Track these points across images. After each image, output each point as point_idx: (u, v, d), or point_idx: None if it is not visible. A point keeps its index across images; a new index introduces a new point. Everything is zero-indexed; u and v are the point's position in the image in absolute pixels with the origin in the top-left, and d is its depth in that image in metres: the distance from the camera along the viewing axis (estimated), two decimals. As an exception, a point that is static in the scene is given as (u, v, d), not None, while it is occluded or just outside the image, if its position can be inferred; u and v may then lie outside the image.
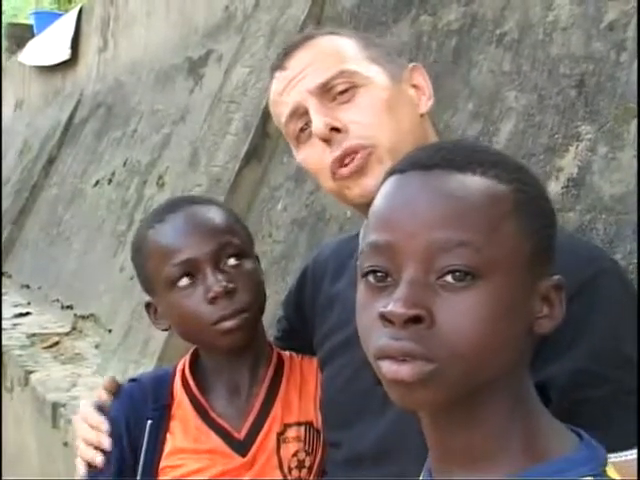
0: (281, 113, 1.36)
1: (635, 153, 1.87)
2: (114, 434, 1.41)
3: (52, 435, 3.57)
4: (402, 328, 0.80)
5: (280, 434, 1.42)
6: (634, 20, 2.04)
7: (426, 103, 1.36)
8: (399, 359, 0.80)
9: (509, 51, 2.42)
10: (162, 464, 1.40)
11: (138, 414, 1.41)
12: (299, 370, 1.49)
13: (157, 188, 5.00)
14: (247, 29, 4.21)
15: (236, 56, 4.17)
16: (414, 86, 1.36)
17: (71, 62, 7.78)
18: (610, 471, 0.85)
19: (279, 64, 1.36)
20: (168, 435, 1.41)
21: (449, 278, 0.80)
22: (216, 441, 1.40)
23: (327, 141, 1.28)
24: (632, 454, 1.04)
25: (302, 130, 1.33)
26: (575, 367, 1.05)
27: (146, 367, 3.52)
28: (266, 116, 3.61)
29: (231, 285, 1.37)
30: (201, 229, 1.40)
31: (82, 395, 3.60)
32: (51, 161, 7.71)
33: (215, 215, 1.44)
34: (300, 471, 1.41)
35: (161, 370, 1.57)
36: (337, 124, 1.28)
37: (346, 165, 1.28)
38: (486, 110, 2.39)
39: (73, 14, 7.83)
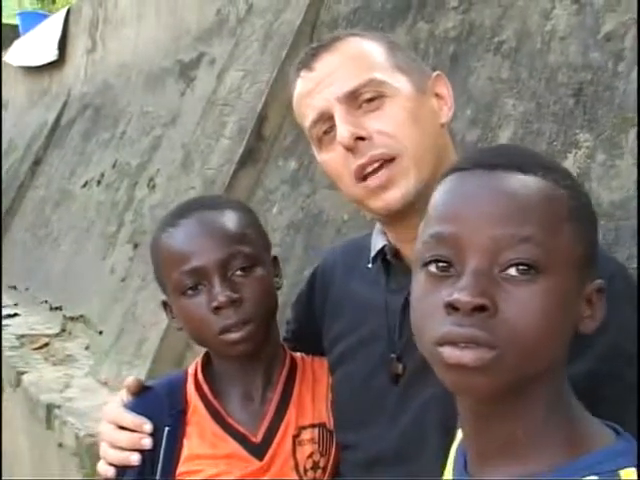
0: (306, 115, 1.37)
1: (634, 161, 1.91)
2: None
3: (46, 437, 3.57)
4: (467, 316, 0.85)
5: (295, 436, 1.44)
6: (632, 31, 2.09)
7: (447, 113, 1.38)
8: (461, 345, 0.85)
9: (507, 59, 2.46)
10: (179, 470, 1.41)
11: (154, 422, 1.42)
12: (311, 371, 1.52)
13: (148, 190, 5.01)
14: (241, 33, 4.23)
15: (230, 60, 4.19)
16: (437, 95, 1.38)
17: (58, 63, 7.76)
18: None
19: (306, 64, 1.36)
20: (185, 441, 1.42)
21: (512, 271, 0.86)
22: (234, 446, 1.42)
23: (351, 150, 1.30)
24: None
25: (326, 133, 1.35)
26: (591, 367, 1.09)
27: (140, 369, 3.54)
28: (261, 119, 3.64)
29: (236, 295, 1.38)
30: (211, 237, 1.41)
31: (77, 396, 3.61)
32: (37, 162, 7.69)
33: (228, 222, 1.44)
34: (315, 472, 1.43)
35: (173, 375, 1.57)
36: (362, 133, 1.29)
37: (370, 176, 1.30)
38: (484, 117, 2.43)
39: (60, 15, 7.81)
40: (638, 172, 1.82)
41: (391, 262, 1.38)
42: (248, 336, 1.39)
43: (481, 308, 0.84)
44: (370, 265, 1.42)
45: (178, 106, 5.12)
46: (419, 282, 0.91)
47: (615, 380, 1.12)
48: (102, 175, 5.91)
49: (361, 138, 1.30)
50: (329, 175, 1.40)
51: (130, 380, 1.49)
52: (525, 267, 0.85)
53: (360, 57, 1.35)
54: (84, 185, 6.18)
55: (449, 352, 0.86)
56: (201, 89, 4.77)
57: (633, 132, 1.96)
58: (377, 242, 1.41)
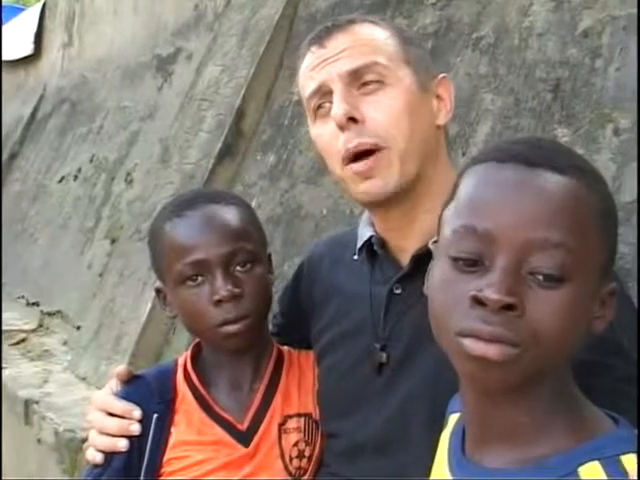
0: (307, 86, 1.39)
1: (611, 156, 1.94)
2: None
3: (24, 432, 3.56)
4: (495, 313, 0.86)
5: (281, 425, 1.46)
6: (608, 28, 2.12)
7: (445, 115, 1.40)
8: (486, 339, 0.86)
9: (485, 55, 2.48)
10: (167, 456, 1.44)
11: (144, 410, 1.44)
12: (297, 364, 1.54)
13: (125, 185, 5.00)
14: (219, 28, 4.23)
15: (208, 55, 4.19)
16: (438, 97, 1.39)
17: (34, 57, 7.72)
18: None
19: (318, 40, 1.38)
20: (172, 428, 1.45)
21: (540, 277, 0.87)
22: (220, 433, 1.44)
23: (342, 128, 1.32)
24: None
25: (321, 107, 1.37)
26: (580, 357, 1.11)
27: (119, 364, 3.52)
28: (240, 114, 3.65)
29: (237, 290, 1.41)
30: (216, 231, 1.43)
31: (55, 392, 3.60)
32: (13, 156, 7.65)
33: (232, 217, 1.46)
34: (300, 461, 1.46)
35: (163, 365, 1.60)
36: (356, 115, 1.31)
37: (357, 161, 1.32)
38: (463, 112, 2.45)
39: (37, 9, 7.77)
40: (638, 172, 1.83)
41: (377, 253, 1.40)
42: (245, 330, 1.42)
43: (509, 307, 0.85)
44: (356, 257, 1.43)
45: (155, 101, 5.11)
46: (443, 270, 0.92)
47: (604, 370, 1.14)
48: (79, 170, 5.89)
49: (354, 120, 1.31)
50: (319, 150, 1.42)
51: (120, 368, 1.51)
52: (553, 273, 0.86)
53: (370, 41, 1.36)
54: (61, 180, 6.16)
55: (474, 344, 0.87)
56: (179, 84, 4.76)
57: (610, 128, 1.99)
58: (364, 233, 1.43)
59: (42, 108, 7.45)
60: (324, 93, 1.36)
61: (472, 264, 0.89)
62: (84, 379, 3.79)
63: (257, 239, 1.49)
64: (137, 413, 1.43)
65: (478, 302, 0.86)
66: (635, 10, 2.09)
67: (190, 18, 4.87)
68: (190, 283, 1.42)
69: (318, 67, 1.37)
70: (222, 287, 1.40)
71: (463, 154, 2.39)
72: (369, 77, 1.33)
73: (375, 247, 1.41)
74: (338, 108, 1.31)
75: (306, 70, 1.40)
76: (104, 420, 1.45)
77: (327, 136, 1.36)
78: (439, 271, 0.93)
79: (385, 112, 1.32)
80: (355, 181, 1.34)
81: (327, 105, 1.35)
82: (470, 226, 0.90)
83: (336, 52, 1.35)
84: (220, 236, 1.43)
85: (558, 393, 0.93)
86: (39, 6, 7.75)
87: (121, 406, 1.45)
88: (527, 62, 2.31)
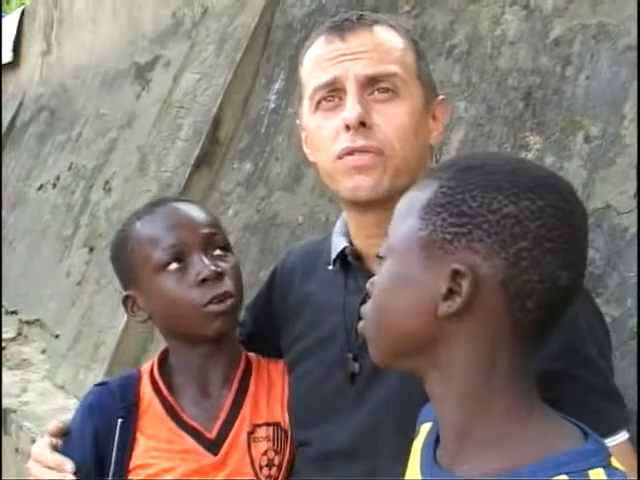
0: (316, 76, 1.37)
1: (582, 163, 1.96)
2: (77, 447, 1.45)
3: (3, 442, 3.55)
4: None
5: (250, 433, 1.46)
6: (579, 36, 2.14)
7: (437, 137, 1.42)
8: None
9: (458, 63, 2.50)
10: (133, 463, 1.43)
11: (107, 417, 1.44)
12: (267, 372, 1.53)
13: (104, 193, 4.99)
14: (196, 36, 4.24)
15: (185, 62, 4.19)
16: (434, 117, 1.41)
17: (13, 65, 7.69)
18: (614, 462, 0.91)
19: (339, 32, 1.37)
20: (138, 434, 1.44)
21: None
22: (188, 442, 1.44)
23: (350, 129, 1.32)
24: None
25: (327, 100, 1.36)
26: (546, 367, 1.11)
27: (97, 372, 3.53)
28: (217, 122, 3.65)
29: (220, 269, 1.42)
30: (191, 218, 1.47)
31: (33, 401, 3.59)
32: (-8, 164, 7.61)
33: (202, 210, 1.52)
34: (270, 469, 1.46)
35: (128, 372, 1.59)
36: (367, 120, 1.31)
37: (354, 155, 1.32)
38: (437, 120, 2.46)
39: (15, 16, 7.74)
40: (638, 172, 1.84)
41: (351, 264, 1.40)
42: (230, 310, 1.44)
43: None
44: (330, 267, 1.44)
45: (134, 108, 5.10)
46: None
47: (570, 380, 1.15)
48: (58, 178, 5.88)
49: (363, 124, 1.32)
50: (310, 140, 1.42)
51: (51, 426, 1.49)
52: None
53: (392, 49, 1.37)
54: (40, 188, 6.14)
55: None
56: (157, 91, 4.76)
57: (581, 135, 2.01)
58: (338, 243, 1.43)
59: (21, 115, 7.42)
60: (335, 88, 1.34)
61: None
62: (62, 387, 3.78)
63: (225, 236, 1.52)
64: (69, 467, 1.42)
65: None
66: (606, 19, 2.11)
67: (168, 26, 4.88)
68: (170, 269, 1.43)
69: (335, 60, 1.35)
70: (205, 267, 1.41)
71: (437, 162, 2.40)
72: (384, 85, 1.33)
73: (349, 258, 1.41)
74: (353, 110, 1.31)
75: (319, 58, 1.38)
76: (42, 472, 1.44)
77: (327, 131, 1.35)
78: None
79: (392, 124, 1.33)
80: (345, 175, 1.34)
81: (335, 101, 1.35)
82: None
83: (357, 51, 1.34)
84: (195, 222, 1.46)
85: (518, 405, 0.93)
86: (18, 13, 7.72)
87: (54, 460, 1.44)
88: (499, 70, 2.33)
